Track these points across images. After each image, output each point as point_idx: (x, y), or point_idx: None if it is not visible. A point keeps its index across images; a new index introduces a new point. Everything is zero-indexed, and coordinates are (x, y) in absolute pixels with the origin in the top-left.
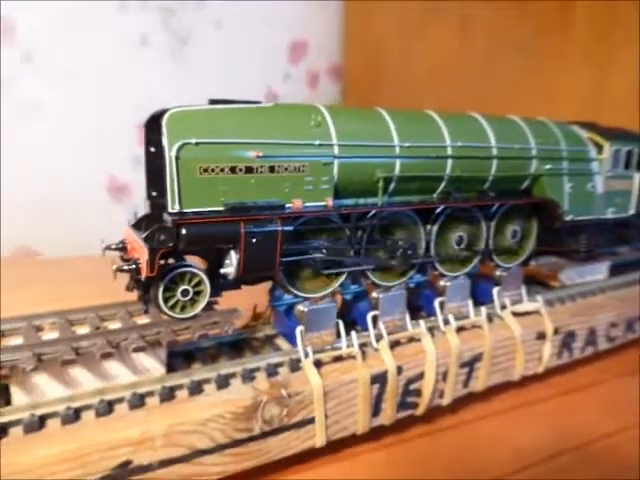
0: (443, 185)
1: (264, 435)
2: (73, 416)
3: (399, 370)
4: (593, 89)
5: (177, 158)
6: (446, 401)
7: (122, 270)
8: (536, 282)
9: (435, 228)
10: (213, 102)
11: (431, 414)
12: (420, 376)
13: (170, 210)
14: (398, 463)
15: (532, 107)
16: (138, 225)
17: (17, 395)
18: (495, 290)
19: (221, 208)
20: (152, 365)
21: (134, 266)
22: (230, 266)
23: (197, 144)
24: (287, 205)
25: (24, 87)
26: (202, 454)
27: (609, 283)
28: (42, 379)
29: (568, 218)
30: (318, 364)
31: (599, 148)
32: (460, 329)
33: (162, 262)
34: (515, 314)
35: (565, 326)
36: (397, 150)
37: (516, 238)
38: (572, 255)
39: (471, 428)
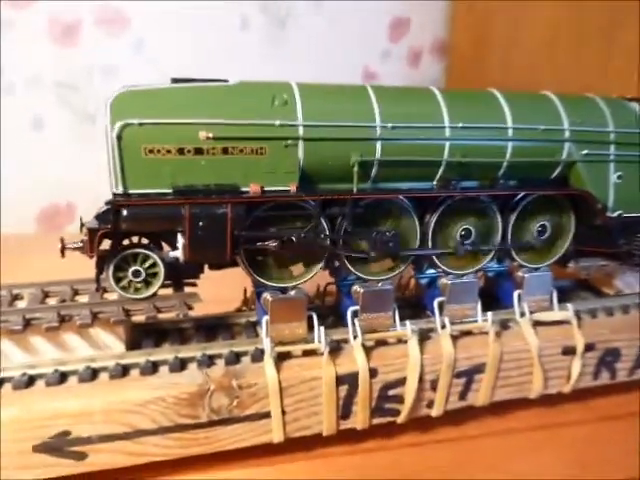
0: (441, 171)
1: (212, 424)
2: (26, 382)
3: (373, 373)
4: None
5: (119, 138)
6: (436, 412)
7: (68, 248)
8: (588, 287)
9: (433, 219)
10: (175, 81)
11: (428, 424)
12: (402, 382)
13: (114, 191)
14: (367, 470)
15: None
16: None
17: None
18: (515, 294)
19: (168, 190)
20: (111, 342)
21: (80, 244)
22: (178, 249)
23: (141, 124)
24: (244, 189)
25: (132, 76)
26: (143, 434)
27: None
28: (6, 345)
29: (614, 214)
30: (284, 357)
31: None
32: (466, 334)
33: (121, 242)
34: (540, 323)
35: (604, 342)
36: (378, 131)
37: (545, 235)
38: (626, 259)
39: (470, 445)
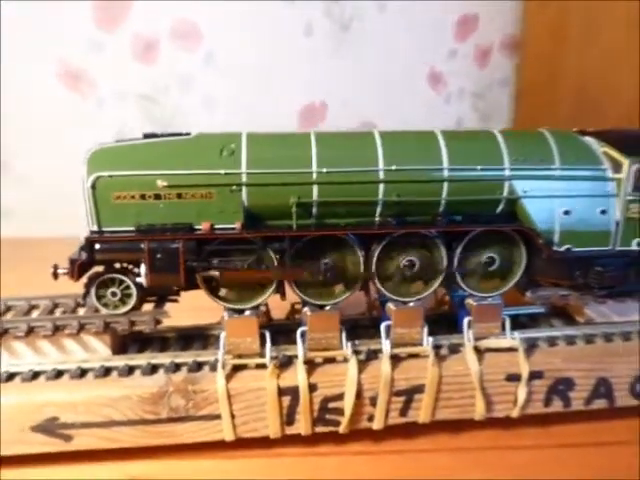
0: (379, 209)
1: (172, 420)
2: (31, 376)
3: (313, 387)
4: None
5: (93, 188)
6: (377, 425)
7: (57, 274)
8: (563, 314)
9: (376, 252)
10: (146, 136)
11: (379, 435)
12: (341, 396)
13: (90, 229)
14: (318, 470)
15: None
16: None
17: (4, 356)
18: (465, 320)
19: (132, 228)
20: (99, 347)
21: (66, 270)
22: (142, 276)
23: (110, 176)
24: (197, 227)
25: (204, 86)
26: (116, 424)
27: None
28: (20, 347)
29: (561, 248)
30: (240, 368)
31: (617, 165)
32: (413, 356)
33: (99, 269)
34: (491, 349)
35: (554, 371)
36: (314, 176)
37: (493, 266)
38: (584, 290)
39: (417, 457)
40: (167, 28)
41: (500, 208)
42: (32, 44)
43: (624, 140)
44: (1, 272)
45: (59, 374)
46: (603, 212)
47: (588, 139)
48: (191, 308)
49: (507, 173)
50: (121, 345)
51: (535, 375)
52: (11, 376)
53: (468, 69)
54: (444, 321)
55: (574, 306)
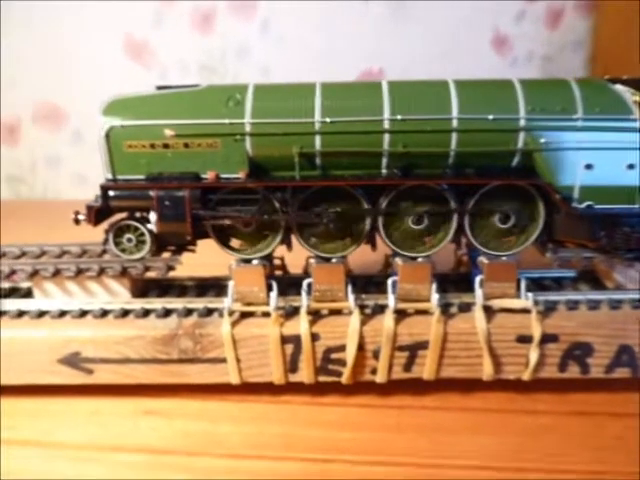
0: (385, 161)
1: (182, 361)
2: (59, 314)
3: (315, 337)
4: None
5: (107, 137)
6: (380, 379)
7: (78, 219)
8: (593, 279)
9: (383, 205)
10: (159, 88)
11: (386, 389)
12: (342, 348)
13: (106, 176)
14: (318, 417)
15: None
16: None
17: (37, 294)
18: (477, 279)
19: (143, 176)
20: (120, 290)
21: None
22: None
23: (122, 126)
24: (203, 175)
25: (262, 55)
26: (132, 362)
27: None
28: (51, 287)
29: (582, 205)
30: (247, 315)
31: None
32: (421, 313)
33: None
34: (505, 310)
35: (570, 335)
36: (317, 126)
37: (508, 224)
38: (610, 252)
39: (420, 414)
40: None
41: (516, 161)
42: (100, 20)
43: None
44: None
45: (84, 313)
46: (631, 166)
47: (619, 87)
48: (221, 263)
49: (522, 123)
50: (143, 290)
51: (549, 338)
52: (42, 313)
53: (537, 32)
54: (463, 282)
55: (603, 270)
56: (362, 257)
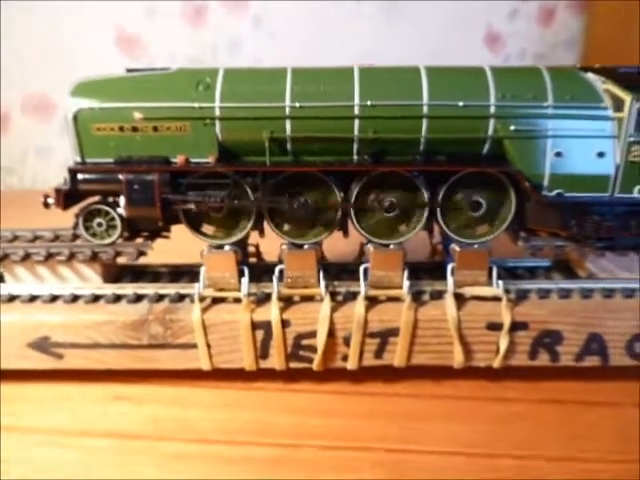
0: (356, 147)
1: (152, 346)
2: (29, 299)
3: (286, 323)
4: None
5: (75, 119)
6: (351, 365)
7: (48, 203)
8: (566, 269)
9: (354, 192)
10: (129, 70)
11: (351, 376)
12: (313, 334)
13: (74, 160)
14: (292, 404)
15: None
16: None
17: (8, 278)
18: (449, 267)
19: (112, 160)
20: (91, 275)
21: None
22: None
23: (91, 109)
24: (173, 160)
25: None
26: (102, 347)
27: None
28: (21, 272)
29: (552, 193)
30: (219, 301)
31: (619, 103)
32: (390, 300)
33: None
34: (474, 298)
35: (540, 323)
36: (287, 110)
37: (479, 212)
38: (581, 241)
39: (390, 400)
40: None
41: (487, 148)
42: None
43: (633, 77)
44: None
45: (54, 298)
46: (601, 155)
47: (590, 75)
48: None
49: (493, 110)
50: (116, 276)
51: (519, 326)
52: (12, 298)
53: (530, 30)
54: (438, 270)
55: (576, 260)
56: (339, 245)
